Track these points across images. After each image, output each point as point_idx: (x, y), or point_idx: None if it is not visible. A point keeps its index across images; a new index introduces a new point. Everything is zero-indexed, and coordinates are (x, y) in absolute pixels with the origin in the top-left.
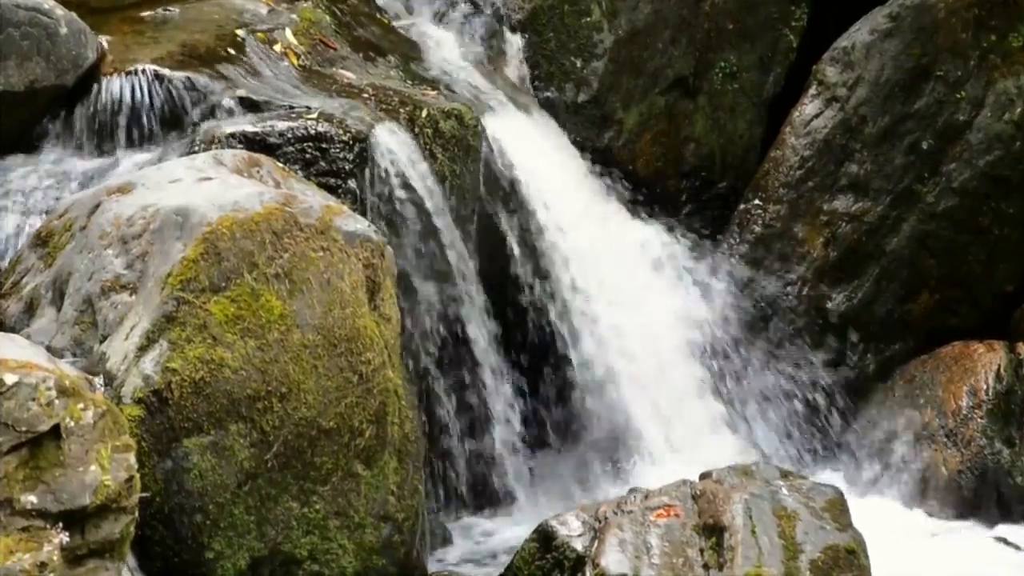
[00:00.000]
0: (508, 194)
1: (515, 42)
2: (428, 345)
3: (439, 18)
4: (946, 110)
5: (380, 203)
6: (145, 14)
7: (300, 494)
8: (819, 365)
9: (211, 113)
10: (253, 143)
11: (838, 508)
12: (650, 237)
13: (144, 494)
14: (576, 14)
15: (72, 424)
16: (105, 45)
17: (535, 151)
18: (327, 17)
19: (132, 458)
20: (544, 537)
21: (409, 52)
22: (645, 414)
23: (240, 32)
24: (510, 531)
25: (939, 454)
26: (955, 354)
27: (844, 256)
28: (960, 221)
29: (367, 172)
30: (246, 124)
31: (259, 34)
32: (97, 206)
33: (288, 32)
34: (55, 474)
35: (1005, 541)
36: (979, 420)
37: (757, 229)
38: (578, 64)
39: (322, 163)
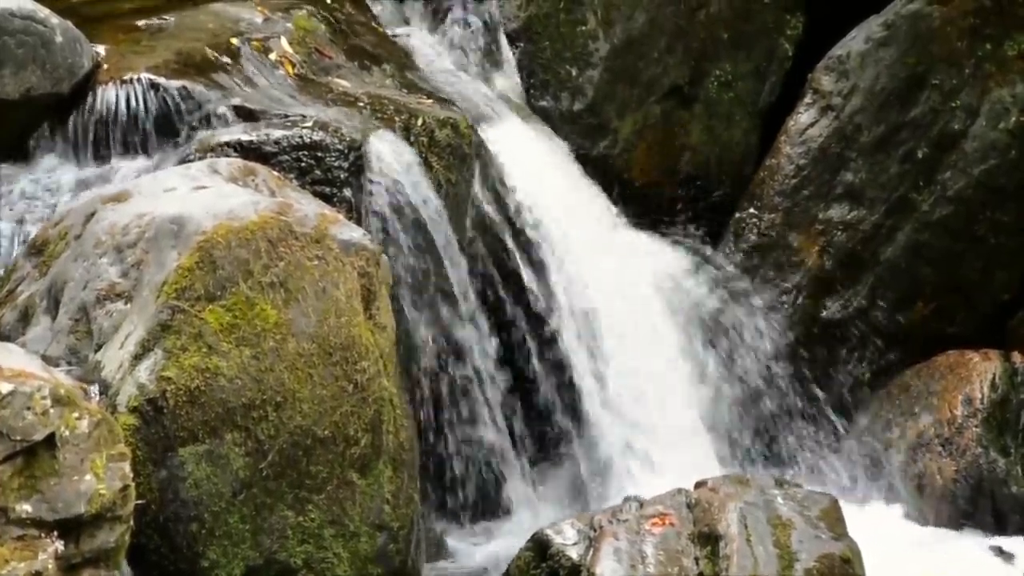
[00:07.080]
0: (504, 203)
1: (510, 51)
2: (425, 354)
3: (434, 27)
4: (941, 119)
5: (375, 211)
6: (140, 23)
7: (295, 503)
8: (814, 374)
9: (206, 122)
10: (248, 152)
11: (833, 517)
12: (645, 245)
13: (139, 502)
14: (571, 23)
15: (67, 433)
16: (101, 54)
17: (531, 160)
18: (322, 26)
19: (127, 467)
20: (539, 546)
21: (404, 61)
22: (640, 422)
23: (235, 41)
24: (506, 540)
25: (934, 463)
26: (950, 363)
27: (839, 265)
28: (956, 230)
29: (362, 181)
30: (241, 133)
31: (254, 43)
32: (92, 214)
33: (283, 41)
34: (50, 483)
35: (1000, 551)
36: (974, 429)
37: (752, 238)
38: (573, 73)
39: (317, 172)
